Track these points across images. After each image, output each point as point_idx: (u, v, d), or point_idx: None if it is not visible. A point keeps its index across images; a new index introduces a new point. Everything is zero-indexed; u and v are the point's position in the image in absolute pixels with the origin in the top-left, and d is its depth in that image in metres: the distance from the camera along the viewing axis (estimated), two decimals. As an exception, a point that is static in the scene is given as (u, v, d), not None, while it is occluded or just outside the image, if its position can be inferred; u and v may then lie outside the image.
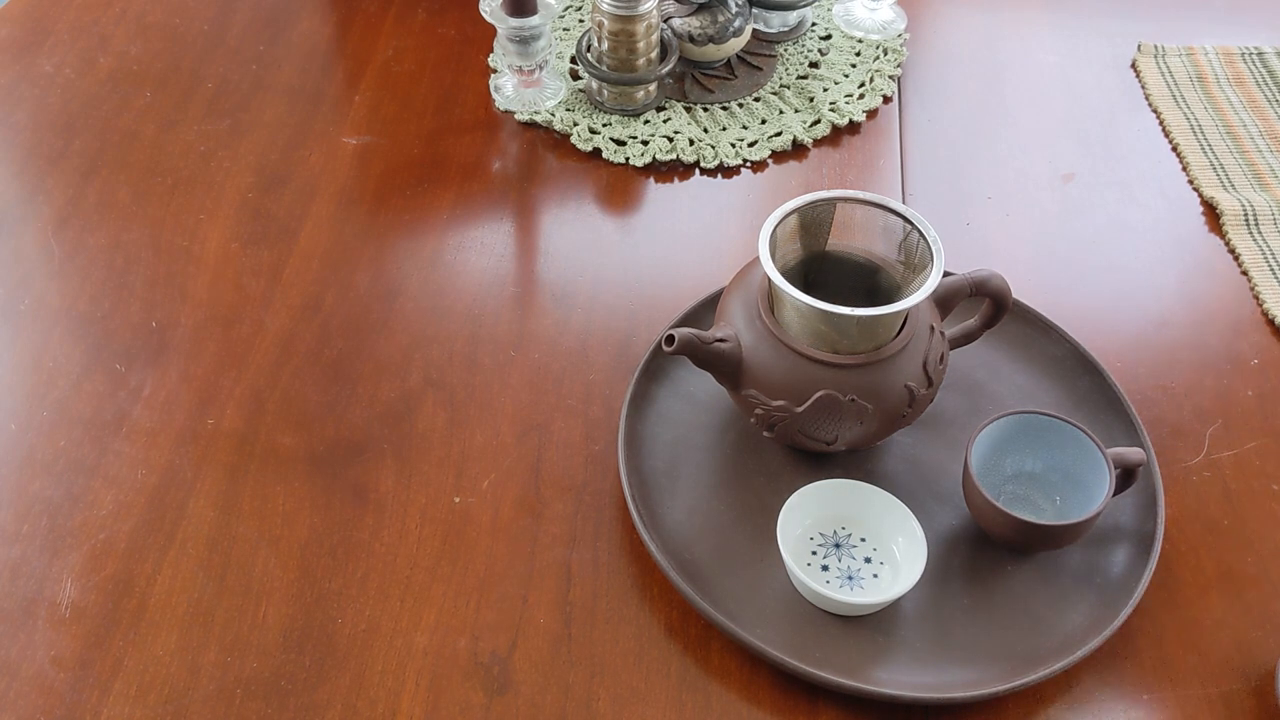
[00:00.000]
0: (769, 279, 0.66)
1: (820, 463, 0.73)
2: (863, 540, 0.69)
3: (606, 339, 0.81)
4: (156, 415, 0.76)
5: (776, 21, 1.06)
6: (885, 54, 1.04)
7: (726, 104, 0.99)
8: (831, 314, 0.63)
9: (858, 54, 1.04)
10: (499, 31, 0.94)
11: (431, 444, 0.75)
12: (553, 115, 0.97)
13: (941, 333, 0.70)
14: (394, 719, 0.62)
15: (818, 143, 0.97)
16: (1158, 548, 0.68)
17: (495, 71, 1.02)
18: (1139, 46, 1.07)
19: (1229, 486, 0.74)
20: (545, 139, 0.96)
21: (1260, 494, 0.74)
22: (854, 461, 0.73)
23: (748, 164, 0.95)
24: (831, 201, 0.69)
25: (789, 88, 1.01)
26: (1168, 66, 1.05)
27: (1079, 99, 1.03)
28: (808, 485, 0.69)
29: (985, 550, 0.69)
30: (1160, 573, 0.68)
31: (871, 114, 1.00)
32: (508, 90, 0.99)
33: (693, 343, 0.66)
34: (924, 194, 0.93)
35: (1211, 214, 0.92)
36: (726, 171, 0.94)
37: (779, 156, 0.96)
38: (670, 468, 0.73)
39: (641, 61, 0.95)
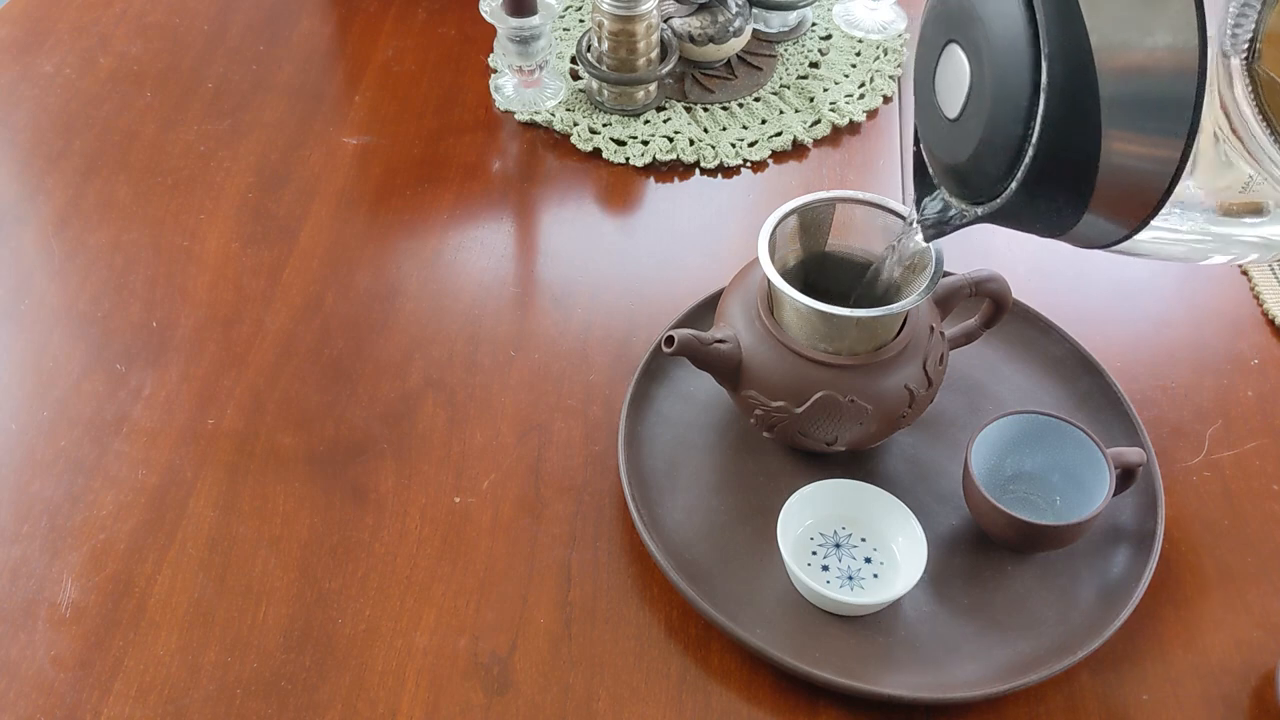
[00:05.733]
0: (768, 280, 0.66)
1: (820, 463, 0.73)
2: (863, 540, 0.69)
3: (606, 339, 0.81)
4: (156, 415, 0.76)
5: (776, 21, 1.06)
6: (885, 54, 1.04)
7: (726, 104, 0.99)
8: (831, 315, 0.63)
9: (858, 54, 1.04)
10: (499, 31, 0.94)
11: (431, 444, 0.75)
12: (553, 115, 0.97)
13: (941, 333, 0.70)
14: (394, 719, 0.63)
15: (818, 143, 0.97)
16: (1158, 548, 0.68)
17: (495, 71, 1.02)
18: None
19: (1229, 486, 0.74)
20: (545, 139, 0.96)
21: (1260, 494, 0.74)
22: (854, 461, 0.73)
23: (748, 164, 0.95)
24: (831, 202, 0.69)
25: (789, 88, 1.01)
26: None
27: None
28: (808, 485, 0.69)
29: (985, 550, 0.69)
30: (1160, 573, 0.68)
31: (871, 114, 1.00)
32: (508, 90, 0.99)
33: (692, 344, 0.67)
34: (924, 194, 0.93)
35: (1211, 214, 0.92)
36: (726, 171, 0.94)
37: (779, 156, 0.96)
38: (670, 468, 0.73)
39: (641, 61, 0.95)
